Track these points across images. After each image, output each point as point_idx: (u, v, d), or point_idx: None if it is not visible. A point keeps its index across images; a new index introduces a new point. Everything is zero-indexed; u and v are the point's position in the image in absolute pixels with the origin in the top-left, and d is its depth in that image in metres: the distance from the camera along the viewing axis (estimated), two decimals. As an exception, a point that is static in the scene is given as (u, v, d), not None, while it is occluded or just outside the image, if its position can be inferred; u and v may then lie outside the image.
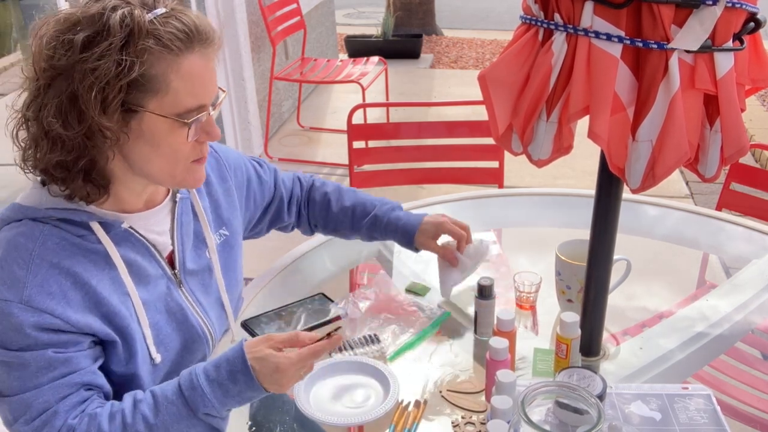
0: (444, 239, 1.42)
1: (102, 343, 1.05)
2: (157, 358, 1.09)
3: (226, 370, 1.03)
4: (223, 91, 1.08)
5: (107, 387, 1.05)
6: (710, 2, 0.92)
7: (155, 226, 1.11)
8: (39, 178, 1.02)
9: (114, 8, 0.94)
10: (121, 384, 1.07)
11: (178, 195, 1.16)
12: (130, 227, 1.07)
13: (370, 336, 1.34)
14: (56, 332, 0.97)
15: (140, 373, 1.07)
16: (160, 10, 0.96)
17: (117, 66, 0.91)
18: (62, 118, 0.93)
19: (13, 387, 0.98)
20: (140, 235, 1.08)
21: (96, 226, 1.03)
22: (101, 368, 1.05)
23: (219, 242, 1.24)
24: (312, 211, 1.48)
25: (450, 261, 1.40)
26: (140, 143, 0.98)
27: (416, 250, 1.43)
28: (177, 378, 1.05)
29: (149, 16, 0.94)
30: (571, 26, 0.98)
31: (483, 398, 1.20)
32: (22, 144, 0.99)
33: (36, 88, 0.95)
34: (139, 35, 0.92)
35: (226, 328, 1.27)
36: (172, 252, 1.14)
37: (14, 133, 0.99)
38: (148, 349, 1.08)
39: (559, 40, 1.00)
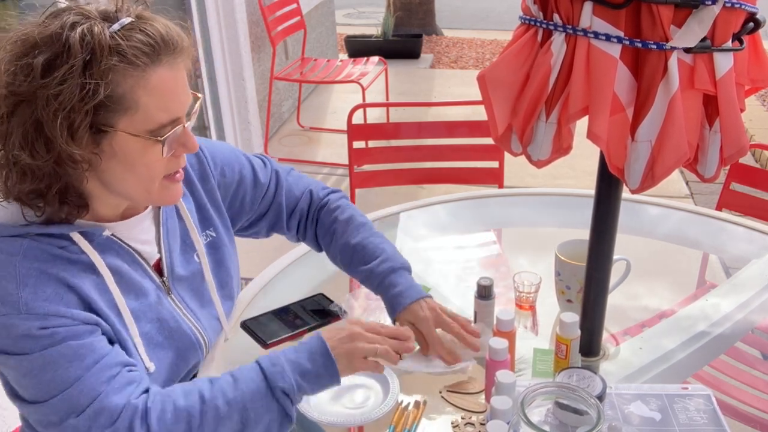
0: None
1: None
2: (151, 367, 1.06)
3: (305, 350, 1.04)
4: (198, 96, 1.03)
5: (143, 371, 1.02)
6: (709, 2, 0.92)
7: (140, 234, 1.08)
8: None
9: (73, 26, 0.88)
10: None
11: None
12: (113, 235, 1.04)
13: (369, 336, 1.34)
14: (67, 327, 0.94)
15: None
16: (125, 20, 0.91)
17: (81, 90, 0.87)
18: (29, 147, 0.90)
19: (50, 389, 0.93)
20: (124, 242, 1.05)
21: (77, 237, 0.99)
22: None
23: (205, 243, 1.21)
24: (318, 233, 1.40)
25: (423, 350, 1.24)
26: (113, 163, 0.95)
27: (394, 322, 1.27)
28: (254, 360, 1.05)
29: (112, 30, 0.90)
30: (570, 27, 0.98)
31: (482, 398, 1.20)
32: None
33: None
34: (102, 54, 0.88)
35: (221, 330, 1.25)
36: (160, 260, 1.12)
37: None
38: (140, 357, 1.05)
39: (558, 41, 1.00)
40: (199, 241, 1.18)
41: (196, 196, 1.21)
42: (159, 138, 0.94)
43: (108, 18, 0.91)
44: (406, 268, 1.30)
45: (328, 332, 1.07)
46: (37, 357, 0.93)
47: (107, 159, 0.94)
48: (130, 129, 0.92)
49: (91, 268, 1.00)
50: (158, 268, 1.12)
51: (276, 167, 1.37)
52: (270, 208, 1.35)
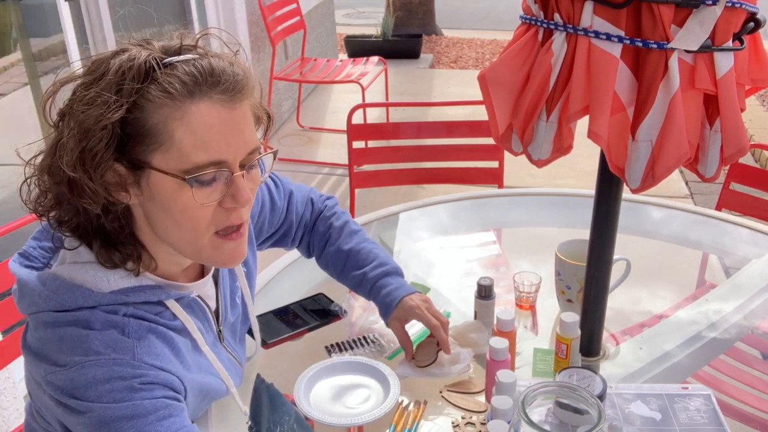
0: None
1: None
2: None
3: None
4: (271, 148, 0.95)
5: None
6: (710, 2, 0.92)
7: (209, 290, 1.06)
8: (93, 258, 0.92)
9: (120, 53, 0.84)
10: None
11: None
12: (198, 296, 1.01)
13: (370, 336, 1.34)
14: (171, 389, 0.90)
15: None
16: (184, 57, 0.85)
17: (101, 110, 0.81)
18: (47, 166, 0.86)
19: None
20: (202, 300, 1.03)
21: (171, 302, 0.96)
22: None
23: None
24: (313, 239, 1.38)
25: (406, 352, 1.25)
26: (155, 206, 0.88)
27: (387, 323, 1.28)
28: None
29: (164, 62, 0.84)
30: (570, 26, 0.98)
31: (483, 398, 1.20)
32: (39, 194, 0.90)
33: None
34: (133, 78, 0.82)
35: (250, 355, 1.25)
36: (216, 309, 1.09)
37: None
38: (240, 406, 1.08)
39: (558, 40, 1.00)
40: (244, 283, 1.16)
41: None
42: (185, 177, 0.84)
43: (167, 52, 0.86)
44: (399, 273, 1.31)
45: None
46: (127, 406, 0.86)
47: (148, 201, 0.88)
48: (163, 166, 0.84)
49: (181, 333, 0.98)
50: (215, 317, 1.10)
51: (289, 186, 1.34)
52: (280, 227, 1.34)
